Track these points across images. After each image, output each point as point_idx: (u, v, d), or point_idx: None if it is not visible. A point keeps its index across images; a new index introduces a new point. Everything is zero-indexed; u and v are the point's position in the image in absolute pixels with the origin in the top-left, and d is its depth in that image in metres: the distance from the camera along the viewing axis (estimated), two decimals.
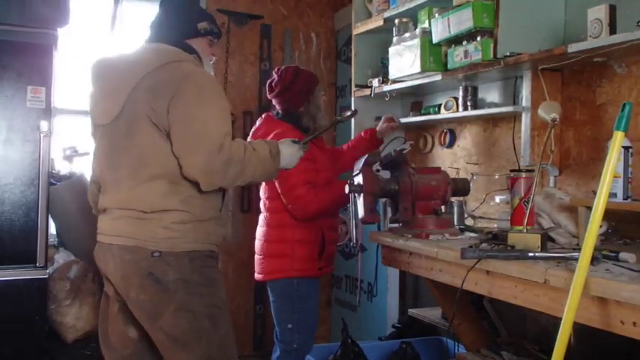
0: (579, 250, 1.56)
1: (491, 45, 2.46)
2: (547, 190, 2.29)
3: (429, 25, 2.79)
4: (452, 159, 3.30)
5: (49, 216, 2.82)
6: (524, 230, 1.95)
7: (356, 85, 3.51)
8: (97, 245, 2.02)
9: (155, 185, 1.88)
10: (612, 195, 1.87)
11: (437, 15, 2.71)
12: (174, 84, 1.86)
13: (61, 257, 3.03)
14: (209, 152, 1.84)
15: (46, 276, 2.74)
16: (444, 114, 3.09)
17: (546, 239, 1.89)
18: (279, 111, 2.80)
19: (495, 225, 2.38)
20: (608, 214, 1.84)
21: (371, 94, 3.36)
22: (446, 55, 2.77)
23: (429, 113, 3.23)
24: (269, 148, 2.00)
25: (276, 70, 2.84)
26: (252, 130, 2.84)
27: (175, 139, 1.87)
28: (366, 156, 2.28)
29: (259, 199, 2.84)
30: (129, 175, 1.91)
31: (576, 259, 1.55)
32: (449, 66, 2.74)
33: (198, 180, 1.88)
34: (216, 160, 1.84)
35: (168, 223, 1.89)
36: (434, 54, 2.80)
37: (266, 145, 2.02)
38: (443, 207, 2.30)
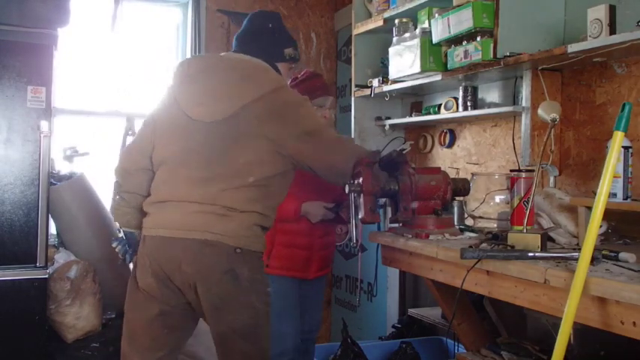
0: (579, 250, 1.56)
1: (491, 45, 2.46)
2: (547, 190, 2.29)
3: (429, 25, 2.79)
4: (452, 159, 3.30)
5: (49, 216, 2.82)
6: (524, 230, 1.95)
7: (356, 85, 3.51)
8: (155, 239, 1.97)
9: (249, 190, 1.95)
10: (612, 195, 1.87)
11: (437, 15, 2.71)
12: (294, 109, 2.01)
13: (61, 257, 3.02)
14: (346, 157, 2.08)
15: (46, 276, 2.74)
16: (444, 114, 3.09)
17: (546, 239, 1.89)
18: None
19: (495, 225, 2.38)
20: (608, 214, 1.84)
21: (371, 94, 3.36)
22: (446, 55, 2.77)
23: (429, 113, 3.23)
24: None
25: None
26: None
27: (316, 156, 2.03)
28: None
29: None
30: (228, 178, 1.94)
31: (576, 259, 1.55)
32: (449, 66, 2.74)
33: (337, 177, 2.11)
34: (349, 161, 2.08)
35: (250, 223, 1.96)
36: (434, 54, 2.80)
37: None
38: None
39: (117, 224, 2.21)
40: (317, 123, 2.08)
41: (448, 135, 3.29)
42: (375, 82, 3.32)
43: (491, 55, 2.46)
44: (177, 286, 1.96)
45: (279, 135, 1.96)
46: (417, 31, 2.83)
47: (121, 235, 2.18)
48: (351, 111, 3.57)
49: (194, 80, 2.04)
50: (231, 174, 1.95)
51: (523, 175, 2.08)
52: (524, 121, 2.56)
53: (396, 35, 3.02)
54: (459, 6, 2.56)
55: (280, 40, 2.22)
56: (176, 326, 2.04)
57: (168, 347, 2.05)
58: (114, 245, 2.22)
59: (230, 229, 1.92)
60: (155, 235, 1.97)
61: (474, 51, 2.54)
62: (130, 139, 3.98)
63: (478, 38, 2.52)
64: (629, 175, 1.93)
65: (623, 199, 1.91)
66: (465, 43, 2.60)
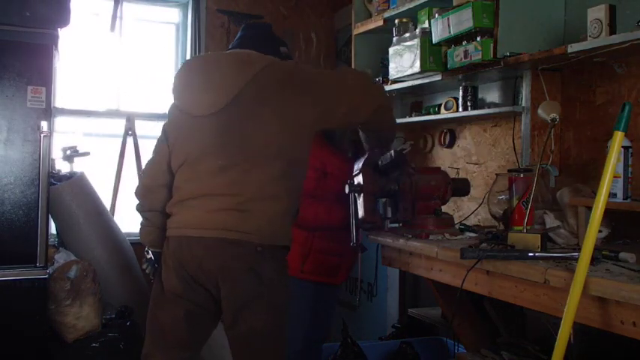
0: (579, 250, 1.56)
1: (491, 45, 2.46)
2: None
3: (429, 25, 2.79)
4: (452, 159, 3.30)
5: (49, 216, 2.82)
6: (524, 230, 1.95)
7: None
8: (178, 239, 1.96)
9: (271, 167, 1.93)
10: (612, 195, 1.87)
11: (437, 15, 2.71)
12: (292, 72, 2.02)
13: (61, 257, 3.02)
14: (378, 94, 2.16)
15: (46, 276, 2.74)
16: (444, 114, 3.09)
17: (546, 239, 1.89)
18: None
19: (495, 225, 2.38)
20: (609, 214, 1.84)
21: None
22: (446, 55, 2.77)
23: (429, 113, 3.23)
24: None
25: None
26: None
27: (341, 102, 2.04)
28: (366, 156, 2.28)
29: None
30: (247, 159, 1.92)
31: (576, 259, 1.55)
32: (449, 66, 2.74)
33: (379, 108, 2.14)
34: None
35: (272, 215, 1.92)
36: (434, 54, 2.80)
37: None
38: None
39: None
40: (316, 73, 2.05)
41: (448, 135, 3.29)
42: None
43: (491, 55, 2.46)
44: (202, 285, 1.94)
45: (285, 100, 1.95)
46: (417, 31, 2.83)
47: (149, 255, 2.17)
48: None
49: (194, 76, 2.05)
50: (248, 154, 1.93)
51: (522, 175, 2.07)
52: (524, 121, 2.56)
53: (396, 35, 3.02)
54: (459, 6, 2.56)
55: (275, 40, 2.25)
56: (201, 326, 2.03)
57: (193, 348, 2.05)
58: (144, 267, 2.22)
59: (250, 226, 1.89)
60: (177, 235, 1.96)
61: (474, 51, 2.54)
62: (130, 140, 3.99)
63: (478, 38, 2.52)
64: (629, 175, 1.93)
65: (623, 199, 1.91)
66: (465, 43, 2.60)
